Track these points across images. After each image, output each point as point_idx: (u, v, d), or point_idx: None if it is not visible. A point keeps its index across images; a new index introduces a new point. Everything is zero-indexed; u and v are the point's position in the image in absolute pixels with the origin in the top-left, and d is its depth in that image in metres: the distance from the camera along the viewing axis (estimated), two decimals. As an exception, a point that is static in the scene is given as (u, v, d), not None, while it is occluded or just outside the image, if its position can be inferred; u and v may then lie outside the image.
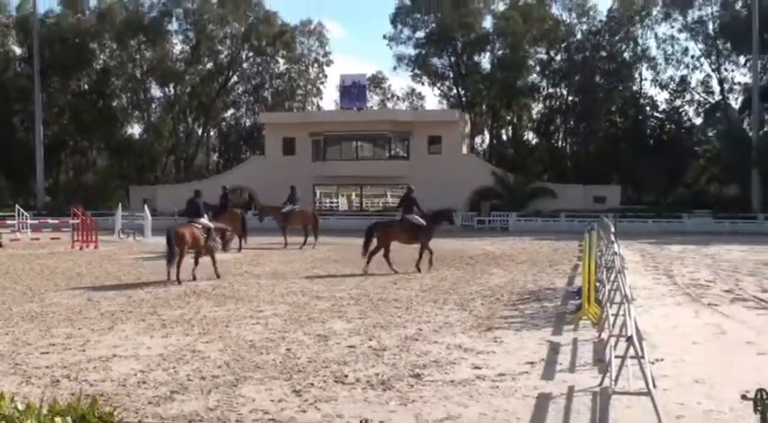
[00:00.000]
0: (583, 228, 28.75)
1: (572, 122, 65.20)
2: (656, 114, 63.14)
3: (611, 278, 14.40)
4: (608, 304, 12.69)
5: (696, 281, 20.47)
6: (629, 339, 8.23)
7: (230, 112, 72.38)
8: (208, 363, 10.48)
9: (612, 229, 21.43)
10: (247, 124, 71.18)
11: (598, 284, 15.25)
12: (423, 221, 22.75)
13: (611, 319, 11.05)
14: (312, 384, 9.36)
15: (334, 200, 58.15)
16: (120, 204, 44.11)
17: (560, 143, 66.74)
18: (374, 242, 22.55)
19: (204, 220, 21.34)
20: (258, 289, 18.37)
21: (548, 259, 26.99)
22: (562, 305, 15.83)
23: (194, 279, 19.83)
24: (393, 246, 22.92)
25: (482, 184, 53.14)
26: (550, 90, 65.25)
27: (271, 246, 31.36)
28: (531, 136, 68.79)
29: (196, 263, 20.77)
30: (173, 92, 68.50)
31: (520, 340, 12.13)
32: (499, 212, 49.98)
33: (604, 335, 11.27)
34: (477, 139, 67.43)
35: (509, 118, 67.18)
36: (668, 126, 61.90)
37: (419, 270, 22.12)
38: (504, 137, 68.98)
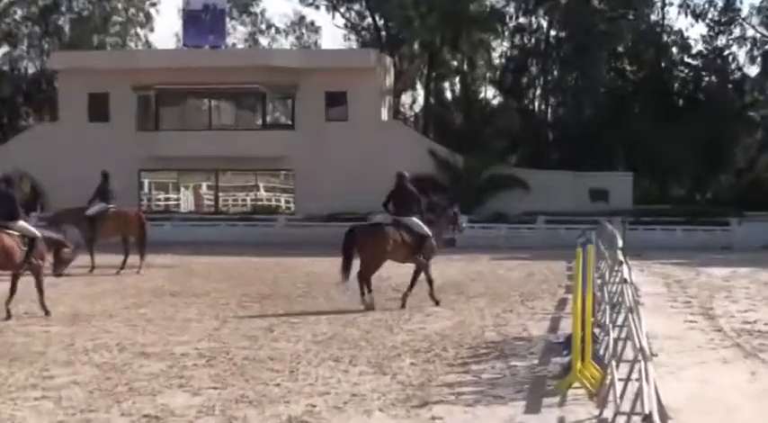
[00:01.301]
0: (573, 240, 29.01)
1: (555, 72, 65.97)
2: (687, 60, 64.29)
3: (619, 321, 14.54)
4: (613, 363, 12.80)
5: (752, 324, 20.83)
6: (647, 419, 8.29)
7: (2, 50, 71.55)
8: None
9: (621, 243, 21.73)
10: (31, 71, 70.50)
11: (597, 331, 15.39)
12: (427, 229, 23.43)
13: (619, 386, 11.14)
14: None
15: (173, 195, 57.82)
16: None
17: (536, 105, 67.50)
18: (360, 256, 23.11)
19: (24, 223, 21.53)
20: (47, 341, 18.13)
21: (518, 290, 27.24)
22: (541, 364, 15.95)
23: (9, 317, 20.52)
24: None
25: (414, 171, 53.11)
26: (521, 19, 65.99)
27: (68, 270, 30.90)
28: (490, 93, 69.67)
29: (12, 290, 21.10)
30: None
31: (473, 422, 12.16)
32: (442, 216, 50.18)
33: (608, 412, 11.35)
34: (406, 98, 67.90)
35: (456, 64, 67.67)
36: (707, 78, 63.12)
37: (436, 301, 23.24)
38: (449, 94, 69.61)
